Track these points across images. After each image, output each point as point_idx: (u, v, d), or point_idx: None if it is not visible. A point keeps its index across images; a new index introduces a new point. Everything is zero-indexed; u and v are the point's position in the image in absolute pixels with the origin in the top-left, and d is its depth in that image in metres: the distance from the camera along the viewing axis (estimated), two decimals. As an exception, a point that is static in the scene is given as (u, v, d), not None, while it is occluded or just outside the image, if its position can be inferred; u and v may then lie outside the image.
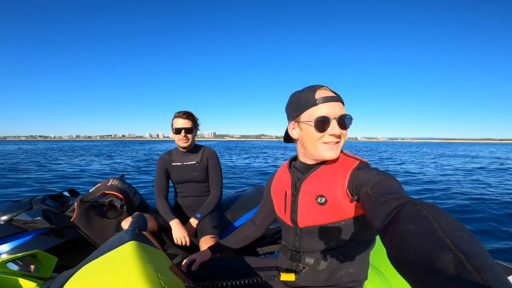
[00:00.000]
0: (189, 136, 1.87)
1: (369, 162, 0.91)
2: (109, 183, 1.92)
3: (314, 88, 0.89)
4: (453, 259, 0.35)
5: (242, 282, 0.95)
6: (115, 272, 0.62)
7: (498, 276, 0.33)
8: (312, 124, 0.86)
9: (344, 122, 0.87)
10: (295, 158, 1.06)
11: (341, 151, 0.93)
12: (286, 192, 1.00)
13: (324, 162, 0.92)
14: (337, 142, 0.89)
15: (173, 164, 1.92)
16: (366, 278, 0.98)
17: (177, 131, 1.84)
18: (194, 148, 1.94)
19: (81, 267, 0.68)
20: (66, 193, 2.30)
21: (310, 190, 0.91)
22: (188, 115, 1.87)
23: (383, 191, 0.66)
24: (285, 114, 0.99)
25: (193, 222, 1.81)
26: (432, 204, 0.50)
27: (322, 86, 0.89)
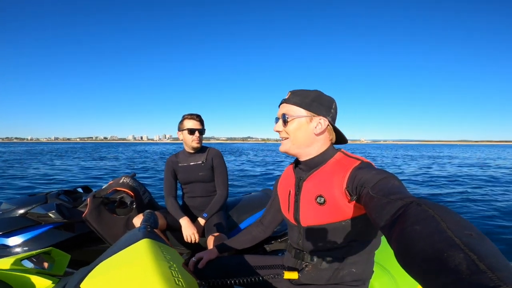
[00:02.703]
0: (201, 137, 1.96)
1: (372, 163, 0.90)
2: (121, 181, 2.00)
3: None
4: (464, 259, 0.35)
5: (249, 279, 0.97)
6: (131, 269, 0.63)
7: None
8: None
9: (283, 120, 0.97)
10: None
11: (343, 152, 0.97)
12: (290, 191, 1.02)
13: (324, 162, 0.94)
14: (286, 138, 0.98)
15: (179, 165, 1.99)
16: (370, 277, 0.99)
17: (192, 131, 1.91)
18: (200, 149, 2.01)
19: (96, 264, 0.69)
20: (80, 190, 2.39)
21: (311, 190, 0.92)
22: (200, 118, 1.98)
23: (384, 191, 0.66)
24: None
25: (201, 221, 1.87)
26: (437, 203, 0.50)
27: (288, 92, 1.00)
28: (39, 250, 0.99)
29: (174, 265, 0.70)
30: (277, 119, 1.01)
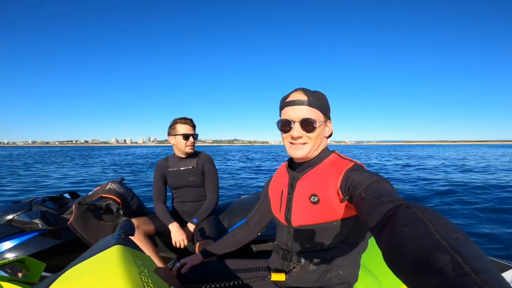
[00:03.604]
0: (195, 142, 1.96)
1: (364, 165, 0.92)
2: (107, 187, 1.95)
3: (290, 93, 0.96)
4: (450, 261, 0.36)
5: (231, 283, 0.94)
6: (98, 275, 0.62)
7: (497, 277, 0.33)
8: (277, 126, 0.98)
9: (306, 125, 0.91)
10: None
11: (337, 153, 0.97)
12: (282, 190, 1.02)
13: (319, 162, 0.95)
14: (305, 143, 0.93)
15: (169, 169, 1.97)
16: (356, 280, 0.99)
17: (187, 137, 1.90)
18: (191, 154, 1.99)
19: (65, 271, 0.68)
20: (67, 195, 2.33)
21: (305, 189, 0.93)
22: (193, 122, 1.97)
23: (376, 193, 0.68)
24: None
25: (190, 227, 1.85)
26: (426, 206, 0.51)
27: (297, 90, 0.94)
28: (12, 259, 0.98)
29: (145, 271, 0.70)
30: (288, 122, 0.93)
